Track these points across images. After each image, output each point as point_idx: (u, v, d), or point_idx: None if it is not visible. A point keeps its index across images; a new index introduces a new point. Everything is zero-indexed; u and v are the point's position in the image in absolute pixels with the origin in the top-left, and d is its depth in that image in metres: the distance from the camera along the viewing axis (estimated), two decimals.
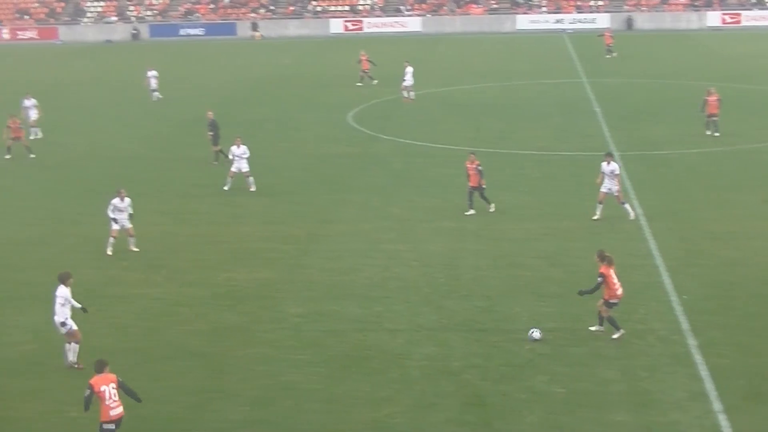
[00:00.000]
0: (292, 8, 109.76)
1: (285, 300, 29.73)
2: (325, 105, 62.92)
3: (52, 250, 35.27)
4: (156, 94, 67.30)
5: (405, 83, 63.03)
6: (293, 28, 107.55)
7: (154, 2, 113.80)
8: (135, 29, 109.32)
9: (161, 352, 26.21)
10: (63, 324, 25.47)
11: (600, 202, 36.39)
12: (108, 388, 20.78)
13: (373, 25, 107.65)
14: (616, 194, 36.25)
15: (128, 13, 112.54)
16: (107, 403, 20.72)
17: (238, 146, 42.55)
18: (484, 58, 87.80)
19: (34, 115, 55.37)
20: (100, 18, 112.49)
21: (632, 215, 36.46)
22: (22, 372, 25.35)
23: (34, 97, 56.14)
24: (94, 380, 20.86)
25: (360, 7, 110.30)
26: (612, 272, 26.15)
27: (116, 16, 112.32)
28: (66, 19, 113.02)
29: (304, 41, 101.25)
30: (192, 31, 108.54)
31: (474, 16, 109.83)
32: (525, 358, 25.19)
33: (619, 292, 26.19)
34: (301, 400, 23.30)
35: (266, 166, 45.85)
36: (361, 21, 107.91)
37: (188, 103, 64.96)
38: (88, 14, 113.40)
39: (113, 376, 21.05)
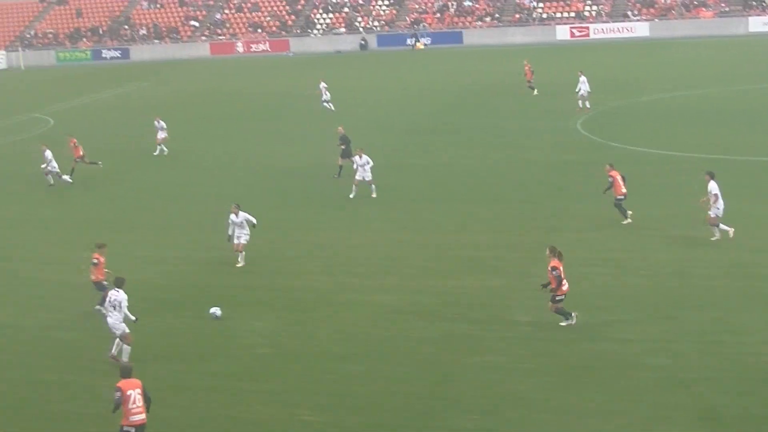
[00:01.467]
0: (517, 16, 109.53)
1: (514, 308, 29.64)
2: (554, 112, 62.49)
3: (283, 255, 36.09)
4: (327, 104, 68.54)
5: (580, 92, 62.25)
6: (519, 36, 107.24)
7: (381, 13, 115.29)
8: (363, 40, 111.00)
9: (391, 358, 26.49)
10: (135, 321, 27.25)
11: None
12: (134, 393, 21.28)
13: (599, 31, 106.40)
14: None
15: (356, 24, 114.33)
16: (129, 407, 21.18)
17: (361, 156, 43.52)
18: (713, 62, 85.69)
19: (162, 134, 56.94)
20: (329, 29, 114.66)
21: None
22: (257, 375, 26.04)
23: (163, 120, 57.64)
24: (123, 384, 21.35)
25: (586, 14, 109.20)
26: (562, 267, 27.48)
27: (345, 27, 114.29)
28: (296, 31, 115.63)
29: (530, 49, 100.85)
30: (419, 41, 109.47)
31: (704, 19, 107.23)
32: (763, 372, 24.44)
33: (566, 287, 27.59)
34: (530, 410, 23.15)
35: (494, 174, 45.87)
36: (587, 27, 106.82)
37: (412, 111, 65.43)
38: (318, 26, 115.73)
39: (139, 382, 21.51)
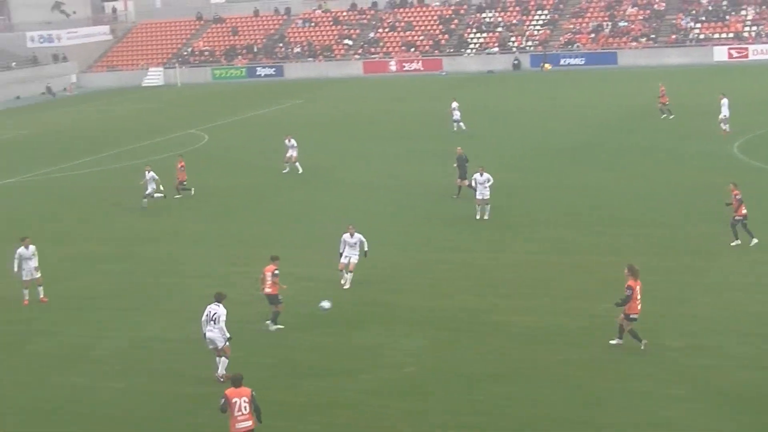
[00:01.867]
0: (674, 37, 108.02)
1: (665, 333, 29.17)
2: (709, 134, 61.30)
3: (430, 275, 36.17)
4: (459, 124, 68.28)
5: (721, 115, 60.86)
6: (674, 57, 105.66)
7: (535, 33, 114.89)
8: (516, 59, 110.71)
9: (539, 380, 26.34)
10: (228, 339, 27.33)
11: None
12: (240, 401, 21.91)
13: (759, 52, 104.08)
14: None
15: (509, 43, 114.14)
16: (235, 414, 21.89)
17: (482, 174, 43.27)
18: None
19: (291, 153, 57.08)
20: (482, 49, 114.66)
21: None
22: (403, 393, 26.11)
23: (294, 139, 57.57)
24: (229, 392, 22.06)
25: (745, 34, 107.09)
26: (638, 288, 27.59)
27: (498, 46, 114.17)
28: (450, 50, 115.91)
29: (686, 70, 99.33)
30: (572, 61, 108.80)
31: None
32: None
33: (639, 307, 27.65)
34: None
35: (647, 196, 45.34)
36: (746, 48, 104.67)
37: (566, 132, 65.04)
38: (471, 46, 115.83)
39: (248, 391, 22.11)
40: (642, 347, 27.77)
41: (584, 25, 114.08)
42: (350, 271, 35.44)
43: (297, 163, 57.38)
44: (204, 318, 27.71)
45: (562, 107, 75.94)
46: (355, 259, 35.26)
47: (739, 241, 37.20)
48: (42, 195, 56.18)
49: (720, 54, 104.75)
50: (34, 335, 32.38)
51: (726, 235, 37.98)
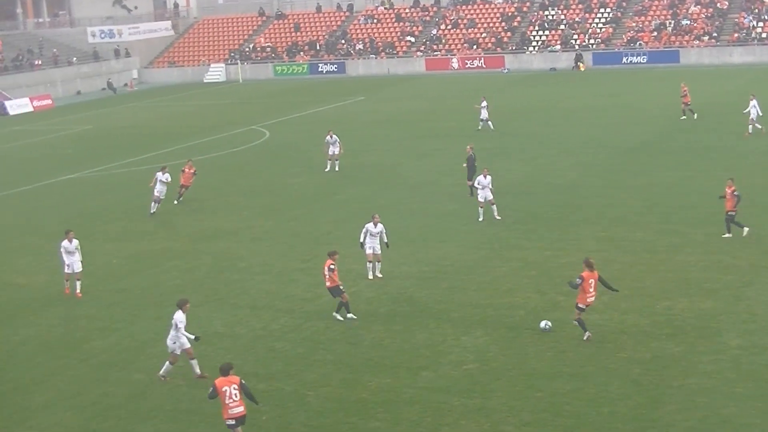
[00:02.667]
0: (736, 35, 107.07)
1: (725, 331, 29.09)
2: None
3: (490, 273, 36.23)
4: (487, 123, 68.35)
5: (751, 116, 60.37)
6: (737, 56, 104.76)
7: (597, 31, 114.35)
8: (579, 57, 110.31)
9: (600, 378, 26.34)
10: (197, 338, 28.09)
11: None
12: (230, 389, 22.90)
13: None
14: None
15: (572, 41, 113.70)
16: (227, 401, 22.86)
17: (485, 176, 43.17)
18: None
19: (337, 149, 56.82)
20: (545, 47, 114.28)
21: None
22: (464, 390, 26.21)
23: (336, 134, 57.42)
24: (219, 381, 23.03)
25: None
26: (592, 280, 29.00)
27: (560, 44, 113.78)
28: (512, 48, 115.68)
29: (749, 69, 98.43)
30: (635, 59, 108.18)
31: None
32: None
33: (591, 299, 29.08)
34: None
35: (708, 194, 45.14)
36: None
37: (628, 130, 64.78)
38: (533, 43, 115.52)
39: (237, 379, 23.12)
40: (585, 339, 28.88)
41: (647, 23, 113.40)
42: (379, 261, 36.17)
43: (337, 162, 57.36)
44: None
45: (624, 105, 75.47)
46: (378, 249, 35.97)
47: (730, 234, 38.45)
48: (103, 190, 56.76)
49: None
50: (94, 332, 32.74)
51: None
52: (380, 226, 35.99)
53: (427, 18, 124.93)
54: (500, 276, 35.80)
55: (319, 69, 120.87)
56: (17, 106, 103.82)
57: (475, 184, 44.03)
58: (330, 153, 57.23)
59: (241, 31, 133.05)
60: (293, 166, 60.26)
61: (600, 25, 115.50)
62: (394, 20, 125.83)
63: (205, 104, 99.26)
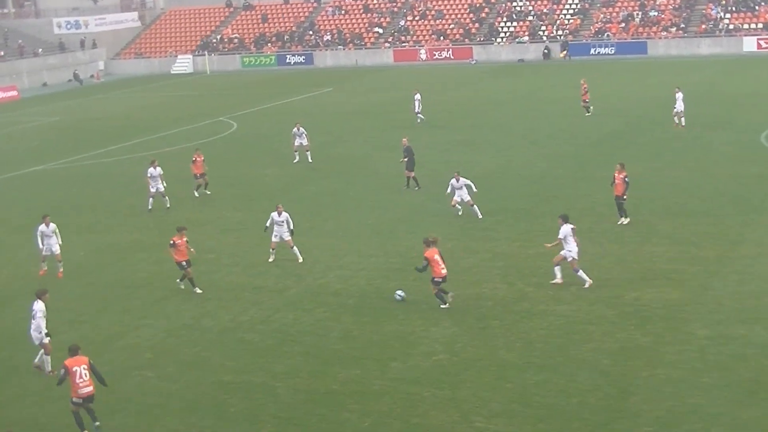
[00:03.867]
0: (704, 26, 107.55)
1: (692, 322, 29.25)
2: (736, 125, 61.22)
3: (459, 264, 36.18)
4: (420, 116, 69.12)
5: (676, 109, 60.99)
6: (705, 47, 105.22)
7: (566, 22, 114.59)
8: (546, 48, 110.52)
9: (568, 369, 26.43)
10: (47, 335, 28.23)
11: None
12: (80, 369, 23.98)
13: None
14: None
15: (540, 33, 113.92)
16: (77, 381, 23.92)
17: (458, 180, 42.87)
18: None
19: (304, 141, 56.80)
20: (513, 38, 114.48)
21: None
22: (434, 381, 26.25)
23: (303, 127, 57.11)
24: (68, 362, 24.07)
25: None
26: (436, 255, 31.42)
27: (528, 36, 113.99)
28: (480, 39, 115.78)
29: (716, 60, 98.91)
30: (603, 50, 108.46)
31: None
32: None
33: (443, 272, 31.39)
34: (707, 424, 22.88)
35: (676, 187, 45.33)
36: None
37: (596, 122, 64.98)
38: (502, 34, 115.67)
39: (85, 359, 24.21)
40: (447, 304, 31.46)
41: (615, 14, 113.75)
42: (291, 246, 37.51)
43: (308, 153, 57.31)
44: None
45: (592, 97, 75.64)
46: (287, 236, 37.40)
47: (625, 220, 40.32)
48: (70, 182, 56.46)
49: (750, 44, 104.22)
50: (62, 325, 32.42)
51: (753, 224, 38.12)
52: (285, 215, 37.41)
53: (395, 9, 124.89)
54: (468, 267, 35.83)
55: (287, 60, 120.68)
56: None
57: (448, 190, 43.92)
58: (296, 144, 57.12)
59: (209, 22, 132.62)
60: (262, 158, 60.16)
61: (568, 17, 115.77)
62: (362, 11, 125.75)
63: (172, 96, 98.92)
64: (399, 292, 32.77)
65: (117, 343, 30.48)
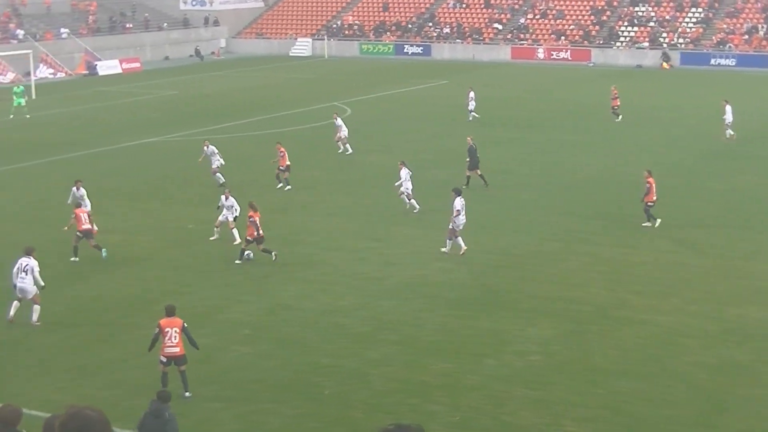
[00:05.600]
0: None
1: None
2: None
3: (561, 266, 36.11)
4: (473, 114, 68.39)
5: (726, 121, 60.52)
6: None
7: (687, 30, 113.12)
8: (665, 55, 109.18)
9: (663, 380, 26.20)
10: (42, 288, 30.28)
11: None
12: (171, 331, 24.93)
13: None
14: None
15: (660, 39, 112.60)
16: (166, 341, 24.92)
17: (402, 169, 43.61)
18: None
19: (343, 133, 56.69)
20: (633, 43, 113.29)
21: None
22: (527, 381, 26.23)
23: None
24: (163, 321, 25.12)
25: None
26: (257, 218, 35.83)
27: (648, 42, 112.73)
28: (599, 42, 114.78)
29: None
30: (723, 62, 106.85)
31: None
32: None
33: (258, 233, 35.91)
34: None
35: None
36: None
37: (711, 133, 63.97)
38: (621, 38, 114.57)
39: (179, 321, 25.15)
40: (273, 258, 35.90)
41: (738, 25, 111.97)
42: (232, 228, 38.94)
43: (348, 144, 57.37)
44: (15, 270, 30.37)
45: (710, 107, 74.55)
46: (231, 218, 38.99)
47: (650, 224, 40.57)
48: (185, 156, 57.18)
49: None
50: (164, 294, 33.04)
51: None
52: (231, 200, 39.21)
53: (516, 6, 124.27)
54: (570, 269, 35.67)
55: (405, 50, 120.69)
56: (107, 67, 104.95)
57: (398, 182, 44.05)
58: (337, 136, 57.53)
59: (330, 7, 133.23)
60: (372, 144, 60.35)
61: (690, 25, 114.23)
62: (482, 6, 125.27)
63: (289, 77, 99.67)
64: (248, 253, 36.46)
65: (217, 317, 30.93)
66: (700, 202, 45.61)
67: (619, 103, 69.16)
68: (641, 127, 67.29)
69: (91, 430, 7.54)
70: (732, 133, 60.78)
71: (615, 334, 29.41)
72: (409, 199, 43.47)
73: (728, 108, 60.95)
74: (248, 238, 36.59)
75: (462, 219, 37.05)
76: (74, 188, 41.29)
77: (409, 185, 43.36)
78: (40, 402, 23.99)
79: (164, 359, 25.20)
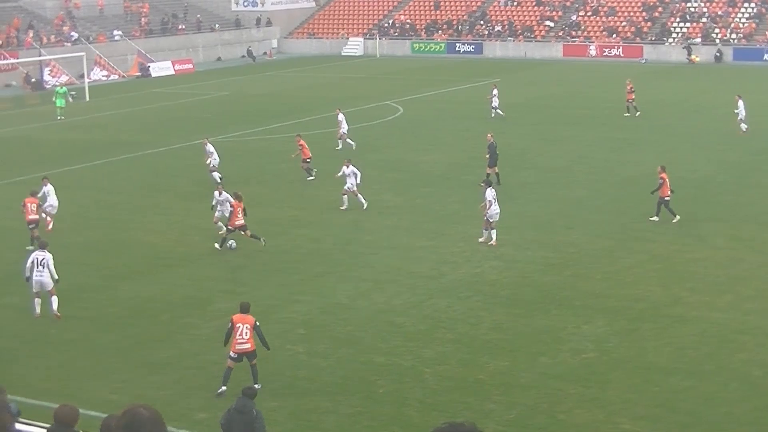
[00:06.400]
0: None
1: None
2: None
3: (618, 264, 36.05)
4: (498, 111, 68.20)
5: (739, 116, 60.53)
6: None
7: (740, 25, 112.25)
8: (718, 51, 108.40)
9: (718, 377, 26.15)
10: (57, 281, 31.06)
11: None
12: (242, 327, 25.17)
13: None
14: None
15: (713, 35, 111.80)
16: (236, 338, 25.18)
17: (347, 166, 44.09)
18: None
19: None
20: (685, 39, 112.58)
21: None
22: (581, 379, 26.26)
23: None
24: (236, 317, 25.45)
25: None
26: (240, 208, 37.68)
27: (701, 37, 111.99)
28: (651, 38, 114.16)
29: None
30: None
31: None
32: None
33: (238, 222, 37.65)
34: None
35: None
36: None
37: (766, 129, 63.50)
38: (673, 35, 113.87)
39: (251, 319, 25.39)
40: (231, 247, 37.72)
41: None
42: (217, 223, 39.83)
43: (349, 139, 57.62)
44: (29, 264, 31.27)
45: (764, 103, 73.97)
46: (227, 213, 39.09)
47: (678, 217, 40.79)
48: (237, 156, 57.53)
49: None
50: (219, 294, 33.44)
51: None
52: (225, 195, 39.72)
53: (568, 3, 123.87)
54: (625, 267, 35.61)
55: (457, 49, 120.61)
56: (160, 68, 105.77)
57: (339, 174, 44.48)
58: (340, 132, 57.87)
59: (381, 6, 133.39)
60: (425, 144, 60.43)
61: (743, 20, 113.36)
62: (534, 4, 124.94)
63: (342, 77, 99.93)
64: (231, 242, 38.05)
65: (272, 316, 31.12)
66: (755, 198, 45.32)
67: (634, 97, 69.06)
68: (695, 123, 66.91)
69: (144, 429, 7.68)
70: (747, 126, 60.63)
71: (669, 332, 29.36)
72: (356, 196, 44.01)
73: (741, 103, 60.82)
74: (229, 227, 38.24)
75: (495, 209, 37.83)
76: (42, 185, 41.94)
77: (353, 181, 43.86)
78: (97, 402, 24.29)
79: (234, 355, 25.44)
